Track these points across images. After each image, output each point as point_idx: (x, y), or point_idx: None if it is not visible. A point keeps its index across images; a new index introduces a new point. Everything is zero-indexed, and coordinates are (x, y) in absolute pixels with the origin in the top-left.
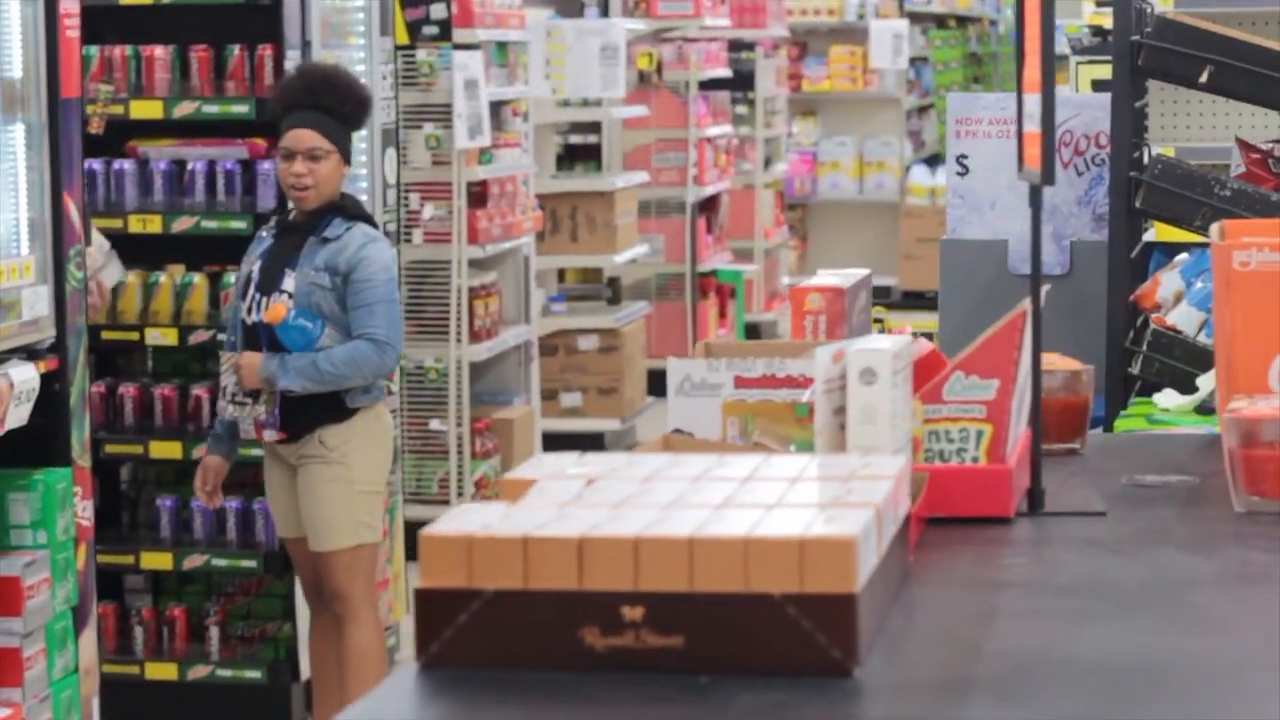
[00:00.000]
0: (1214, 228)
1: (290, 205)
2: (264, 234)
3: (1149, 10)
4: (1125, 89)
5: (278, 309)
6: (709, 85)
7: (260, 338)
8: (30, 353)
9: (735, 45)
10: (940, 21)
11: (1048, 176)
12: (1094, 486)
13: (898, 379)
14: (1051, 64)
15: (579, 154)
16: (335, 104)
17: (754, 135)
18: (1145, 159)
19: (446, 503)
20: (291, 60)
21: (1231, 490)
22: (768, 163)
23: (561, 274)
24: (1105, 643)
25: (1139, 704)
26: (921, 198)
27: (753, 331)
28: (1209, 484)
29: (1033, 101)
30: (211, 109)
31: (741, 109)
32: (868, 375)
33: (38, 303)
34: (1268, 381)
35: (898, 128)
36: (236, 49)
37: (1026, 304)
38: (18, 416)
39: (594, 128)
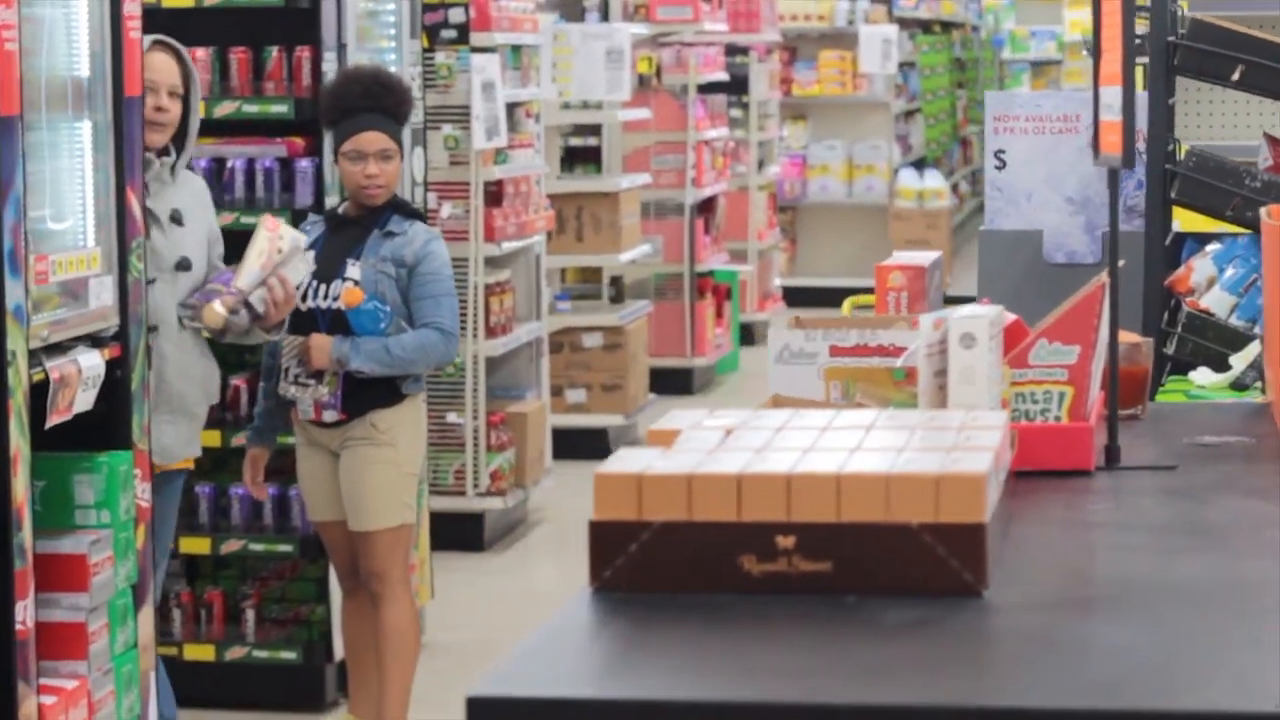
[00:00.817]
0: (1263, 211)
1: (343, 200)
2: (308, 227)
3: (1182, 13)
4: (1161, 87)
5: (356, 293)
6: (706, 89)
7: (319, 322)
8: (95, 340)
9: (729, 50)
10: (926, 27)
11: (1128, 160)
12: (1161, 445)
13: (993, 344)
14: (1131, 58)
15: (579, 156)
16: (394, 105)
17: (748, 138)
18: (1178, 154)
19: (462, 493)
20: (329, 62)
21: None
22: (761, 165)
23: (562, 273)
24: (1200, 570)
25: (1242, 620)
26: (910, 200)
27: (747, 332)
28: (1264, 444)
29: (1111, 93)
30: (251, 109)
31: (736, 112)
32: (968, 340)
33: (103, 292)
34: None
35: (886, 131)
36: (275, 50)
37: (1104, 277)
38: (84, 401)
39: (594, 130)
